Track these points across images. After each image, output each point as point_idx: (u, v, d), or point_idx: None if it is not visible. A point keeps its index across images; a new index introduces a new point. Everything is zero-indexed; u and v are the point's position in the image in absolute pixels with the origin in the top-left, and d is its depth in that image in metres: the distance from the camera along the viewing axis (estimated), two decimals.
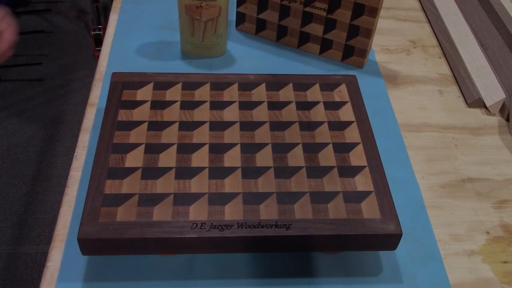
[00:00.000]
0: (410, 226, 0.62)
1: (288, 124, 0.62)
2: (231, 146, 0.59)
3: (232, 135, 0.60)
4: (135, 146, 0.58)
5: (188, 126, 0.61)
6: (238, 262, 0.58)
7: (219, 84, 0.67)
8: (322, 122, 0.63)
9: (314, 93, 0.66)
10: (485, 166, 0.71)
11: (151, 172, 0.55)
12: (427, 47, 0.91)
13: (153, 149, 0.58)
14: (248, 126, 0.61)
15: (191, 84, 0.66)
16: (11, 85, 2.13)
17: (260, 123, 0.62)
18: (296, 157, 0.58)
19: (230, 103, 0.64)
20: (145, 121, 0.61)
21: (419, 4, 1.01)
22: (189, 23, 0.77)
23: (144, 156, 0.57)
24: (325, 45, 0.84)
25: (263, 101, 0.65)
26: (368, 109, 0.65)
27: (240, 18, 0.88)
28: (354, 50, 0.83)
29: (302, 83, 0.68)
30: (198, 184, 0.55)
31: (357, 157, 0.59)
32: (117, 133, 0.59)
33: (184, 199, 0.53)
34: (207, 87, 0.66)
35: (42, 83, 2.14)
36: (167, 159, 0.57)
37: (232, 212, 0.52)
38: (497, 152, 0.74)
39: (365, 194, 0.55)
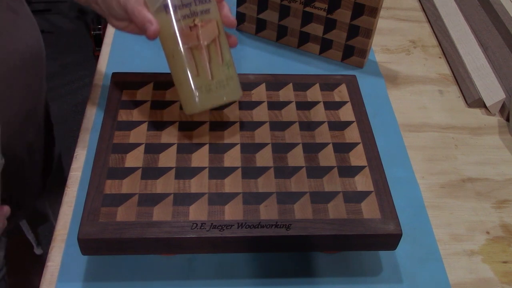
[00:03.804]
0: (410, 226, 0.62)
1: (288, 124, 0.62)
2: (231, 146, 0.59)
3: (232, 135, 0.60)
4: (135, 146, 0.58)
5: (188, 126, 0.61)
6: (238, 262, 0.58)
7: None
8: (322, 122, 0.63)
9: (314, 93, 0.66)
10: (485, 166, 0.71)
11: (151, 172, 0.55)
12: (427, 47, 0.91)
13: (153, 149, 0.58)
14: (248, 126, 0.61)
15: None
16: None
17: (260, 123, 0.62)
18: (296, 157, 0.58)
19: (230, 103, 0.64)
20: (145, 121, 0.61)
21: (419, 4, 1.01)
22: (189, 59, 0.56)
23: (144, 156, 0.57)
24: (325, 45, 0.84)
25: (263, 101, 0.65)
26: (368, 109, 0.65)
27: (240, 18, 0.88)
28: (354, 50, 0.83)
29: (302, 83, 0.68)
30: (198, 184, 0.55)
31: (357, 157, 0.59)
32: (117, 133, 0.59)
33: (184, 199, 0.53)
34: None
35: None
36: (167, 159, 0.57)
37: (232, 212, 0.52)
38: (497, 152, 0.74)
39: (365, 194, 0.55)
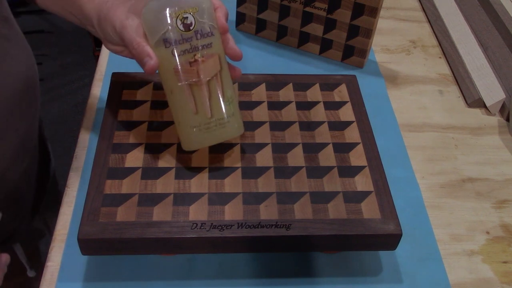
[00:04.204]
0: (410, 226, 0.62)
1: (288, 124, 0.62)
2: (231, 146, 0.59)
3: None
4: (135, 146, 0.58)
5: None
6: (238, 262, 0.58)
7: None
8: (322, 122, 0.63)
9: (314, 93, 0.66)
10: (485, 166, 0.71)
11: (151, 172, 0.55)
12: (427, 47, 0.91)
13: (153, 149, 0.58)
14: (248, 126, 0.61)
15: None
16: None
17: (260, 123, 0.62)
18: (296, 157, 0.58)
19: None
20: (145, 121, 0.61)
21: (419, 4, 1.01)
22: (188, 96, 0.53)
23: (144, 156, 0.57)
24: (325, 45, 0.84)
25: (263, 101, 0.65)
26: (368, 109, 0.65)
27: (240, 18, 0.88)
28: (354, 50, 0.83)
29: (302, 83, 0.68)
30: (198, 184, 0.55)
31: (357, 157, 0.59)
32: (117, 133, 0.59)
33: (184, 199, 0.53)
34: None
35: (42, 83, 2.14)
36: (167, 159, 0.57)
37: (232, 212, 0.52)
38: (497, 152, 0.74)
39: (365, 194, 0.55)
